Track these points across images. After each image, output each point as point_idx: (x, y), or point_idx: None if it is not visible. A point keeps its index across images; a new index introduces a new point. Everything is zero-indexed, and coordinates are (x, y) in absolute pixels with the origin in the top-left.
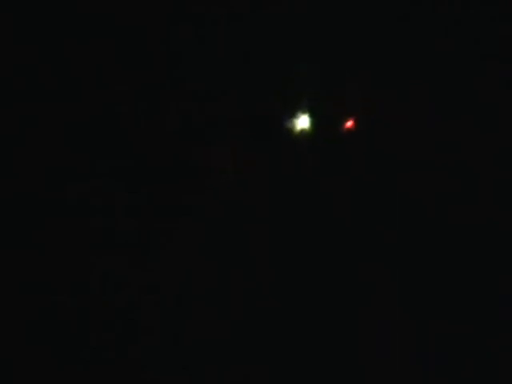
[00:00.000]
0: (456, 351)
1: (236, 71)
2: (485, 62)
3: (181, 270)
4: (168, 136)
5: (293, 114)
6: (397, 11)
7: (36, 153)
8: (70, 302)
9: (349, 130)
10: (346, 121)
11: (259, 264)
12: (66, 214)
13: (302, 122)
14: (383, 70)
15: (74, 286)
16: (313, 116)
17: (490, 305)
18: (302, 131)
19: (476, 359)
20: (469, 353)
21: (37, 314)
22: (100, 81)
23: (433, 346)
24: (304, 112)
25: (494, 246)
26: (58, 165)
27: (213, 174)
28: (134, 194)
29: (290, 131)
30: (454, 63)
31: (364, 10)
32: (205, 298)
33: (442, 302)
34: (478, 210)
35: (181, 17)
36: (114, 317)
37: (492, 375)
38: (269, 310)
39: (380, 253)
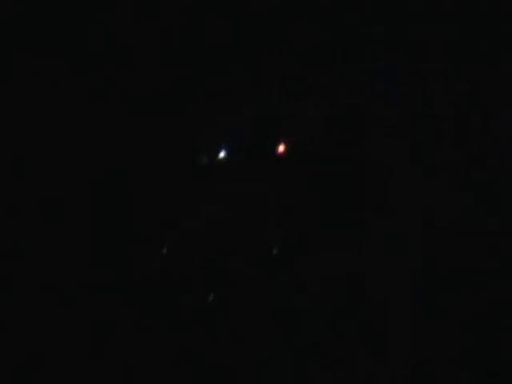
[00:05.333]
0: (456, 351)
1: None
2: (485, 61)
3: (179, 270)
4: (167, 136)
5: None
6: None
7: (36, 152)
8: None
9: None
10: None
11: (257, 264)
12: (66, 214)
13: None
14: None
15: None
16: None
17: (490, 305)
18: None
19: (477, 359)
20: (469, 353)
21: (36, 315)
22: (100, 81)
23: (433, 346)
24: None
25: (494, 246)
26: (58, 164)
27: (211, 175)
28: (133, 193)
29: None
30: (453, 63)
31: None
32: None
33: (441, 302)
34: (478, 211)
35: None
36: (113, 317)
37: (492, 375)
38: (269, 310)
39: (380, 253)
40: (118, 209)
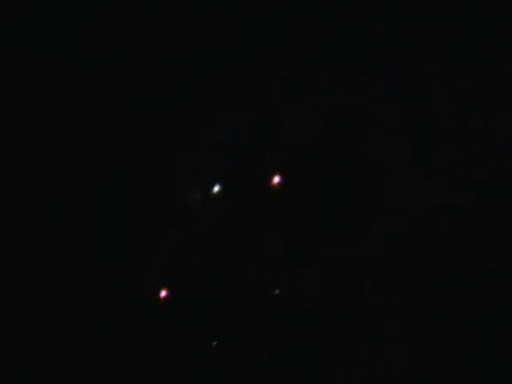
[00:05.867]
0: (456, 351)
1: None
2: (485, 61)
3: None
4: (167, 136)
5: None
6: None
7: (36, 152)
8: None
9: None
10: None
11: (258, 264)
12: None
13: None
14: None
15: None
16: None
17: (490, 305)
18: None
19: (477, 359)
20: (469, 353)
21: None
22: (100, 81)
23: (433, 346)
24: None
25: (494, 246)
26: (58, 164)
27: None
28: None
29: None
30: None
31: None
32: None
33: (441, 302)
34: (478, 211)
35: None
36: (113, 317)
37: (492, 375)
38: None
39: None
40: (118, 209)
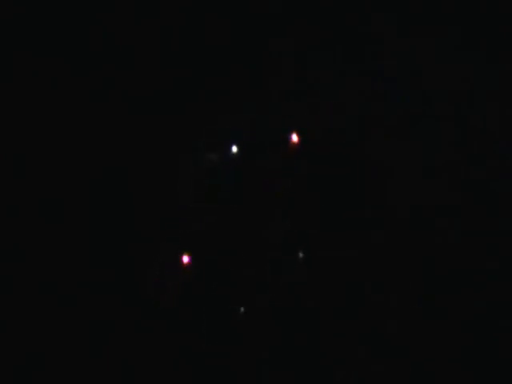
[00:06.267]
0: (456, 351)
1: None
2: (485, 61)
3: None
4: (167, 136)
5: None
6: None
7: (36, 152)
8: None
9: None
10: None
11: (258, 264)
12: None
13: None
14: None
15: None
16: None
17: (490, 305)
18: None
19: (477, 359)
20: (469, 353)
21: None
22: (100, 81)
23: (433, 346)
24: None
25: (494, 246)
26: (58, 164)
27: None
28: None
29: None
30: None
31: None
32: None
33: (441, 302)
34: (478, 211)
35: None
36: (113, 317)
37: (492, 375)
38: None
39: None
40: (118, 209)
